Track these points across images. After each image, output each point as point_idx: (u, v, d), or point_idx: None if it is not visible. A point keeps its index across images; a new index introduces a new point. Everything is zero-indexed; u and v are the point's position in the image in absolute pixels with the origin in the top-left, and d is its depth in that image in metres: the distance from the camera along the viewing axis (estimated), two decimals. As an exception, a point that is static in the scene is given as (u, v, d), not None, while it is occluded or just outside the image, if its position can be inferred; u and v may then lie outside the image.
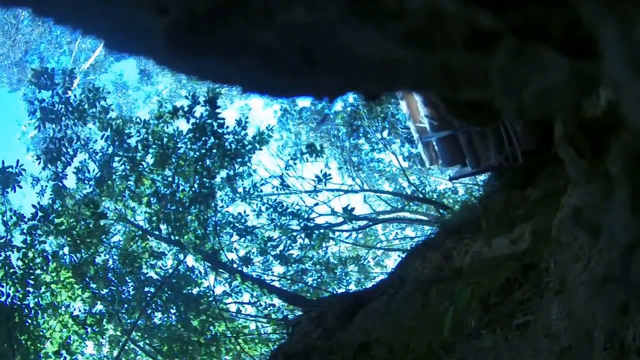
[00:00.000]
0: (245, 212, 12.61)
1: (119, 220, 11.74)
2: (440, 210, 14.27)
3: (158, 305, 11.59)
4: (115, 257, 11.48)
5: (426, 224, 15.16)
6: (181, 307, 11.40)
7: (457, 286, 5.20)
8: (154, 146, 10.75)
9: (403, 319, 5.90)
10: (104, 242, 10.94)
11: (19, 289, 9.64)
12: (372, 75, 0.71)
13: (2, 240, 9.66)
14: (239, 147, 11.08)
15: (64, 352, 10.15)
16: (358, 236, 17.85)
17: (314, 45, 0.66)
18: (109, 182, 10.85)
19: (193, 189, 10.99)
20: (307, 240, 12.66)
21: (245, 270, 12.00)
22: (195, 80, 10.17)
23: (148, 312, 11.44)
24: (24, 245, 9.82)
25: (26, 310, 9.83)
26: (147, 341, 11.84)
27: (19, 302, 9.66)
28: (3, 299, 9.45)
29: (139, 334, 11.69)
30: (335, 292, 12.60)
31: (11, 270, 9.58)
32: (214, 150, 10.84)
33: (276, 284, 12.56)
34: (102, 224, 10.60)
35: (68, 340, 10.30)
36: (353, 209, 13.38)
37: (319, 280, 13.62)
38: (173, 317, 11.65)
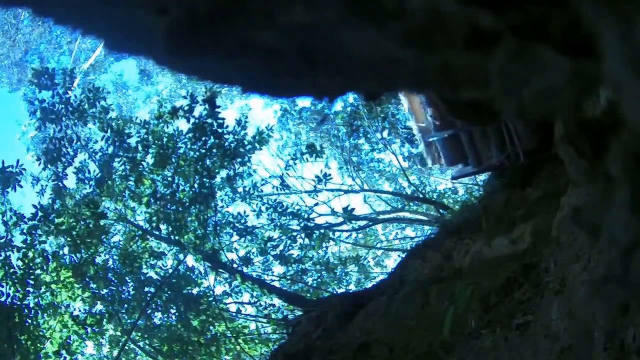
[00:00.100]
0: (245, 212, 12.63)
1: (119, 220, 11.74)
2: (440, 210, 14.27)
3: (158, 305, 11.59)
4: (115, 257, 11.48)
5: (426, 224, 15.16)
6: (181, 307, 11.40)
7: (457, 286, 5.20)
8: (154, 146, 10.75)
9: (403, 319, 5.90)
10: (104, 242, 10.94)
11: (19, 289, 9.63)
12: (372, 75, 0.71)
13: (2, 240, 9.66)
14: (238, 147, 11.08)
15: (64, 352, 10.15)
16: (358, 236, 17.86)
17: (314, 45, 0.66)
18: (109, 182, 10.85)
19: (193, 189, 10.99)
20: (307, 240, 12.66)
21: (245, 270, 12.00)
22: (195, 80, 10.18)
23: (148, 312, 11.44)
24: (24, 245, 9.82)
25: (26, 310, 9.83)
26: (147, 341, 11.84)
27: (19, 302, 9.66)
28: (3, 299, 9.45)
29: (139, 334, 11.69)
30: (335, 292, 12.60)
31: (11, 270, 9.58)
32: (214, 150, 10.84)
33: (276, 284, 12.56)
34: (102, 224, 10.60)
35: (68, 340, 10.30)
36: (353, 209, 13.38)
37: (319, 280, 13.62)
38: (173, 317, 11.65)
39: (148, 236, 11.59)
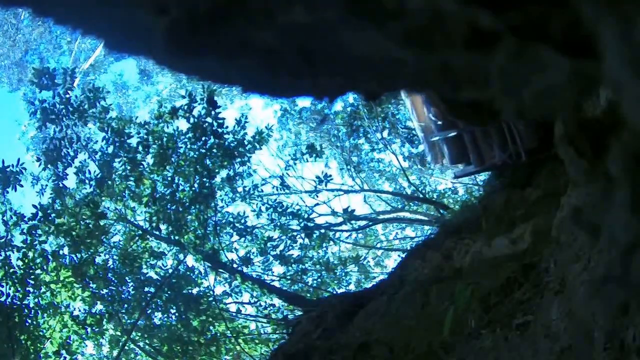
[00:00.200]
0: (245, 212, 12.63)
1: (119, 220, 11.74)
2: (440, 210, 14.26)
3: (158, 305, 11.59)
4: (115, 257, 11.48)
5: (426, 224, 15.15)
6: (181, 307, 11.40)
7: (457, 286, 5.20)
8: (154, 146, 10.75)
9: (403, 319, 5.90)
10: (104, 242, 10.94)
11: (19, 289, 9.63)
12: (372, 75, 0.71)
13: (2, 240, 9.65)
14: (238, 147, 11.08)
15: (64, 352, 10.14)
16: (358, 236, 17.86)
17: (314, 45, 0.66)
18: (109, 182, 10.85)
19: (193, 189, 10.99)
20: (307, 240, 12.66)
21: (245, 270, 12.00)
22: (195, 80, 10.17)
23: (148, 312, 11.44)
24: (24, 245, 9.81)
25: (26, 310, 9.83)
26: (147, 341, 11.84)
27: (19, 302, 9.65)
28: (3, 299, 9.44)
29: (139, 334, 11.69)
30: (335, 292, 12.60)
31: (11, 270, 9.58)
32: (214, 150, 10.84)
33: (276, 284, 12.56)
34: (102, 224, 10.60)
35: (68, 340, 10.30)
36: (353, 210, 13.39)
37: (319, 280, 13.62)
38: (173, 317, 11.65)
39: (148, 236, 11.59)
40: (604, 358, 2.68)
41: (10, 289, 9.55)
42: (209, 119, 10.45)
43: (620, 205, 0.83)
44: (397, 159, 16.69)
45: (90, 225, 10.28)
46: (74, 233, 10.11)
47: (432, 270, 6.73)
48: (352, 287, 14.35)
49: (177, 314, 11.58)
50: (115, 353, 11.29)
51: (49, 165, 10.52)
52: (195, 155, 10.82)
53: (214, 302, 11.46)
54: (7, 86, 19.22)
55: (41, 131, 11.68)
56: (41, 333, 10.07)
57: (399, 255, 13.98)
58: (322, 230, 13.53)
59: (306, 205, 14.37)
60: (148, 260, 11.55)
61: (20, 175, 9.81)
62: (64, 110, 10.43)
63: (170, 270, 11.66)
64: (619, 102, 0.58)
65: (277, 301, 11.97)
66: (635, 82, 0.54)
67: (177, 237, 11.27)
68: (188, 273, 11.90)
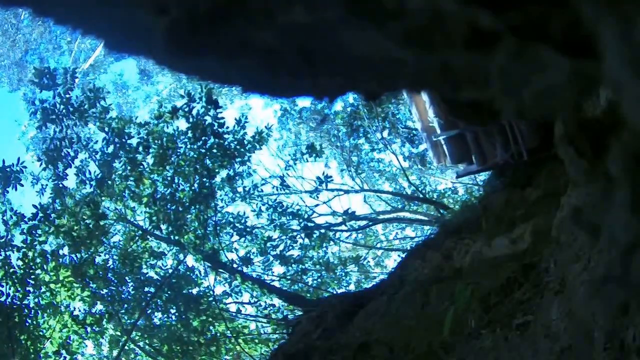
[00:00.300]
0: (245, 212, 12.64)
1: (119, 220, 11.74)
2: (440, 210, 14.26)
3: (158, 305, 11.59)
4: (115, 257, 11.48)
5: (426, 224, 15.15)
6: (181, 307, 11.40)
7: (457, 286, 5.20)
8: (154, 146, 10.75)
9: (403, 319, 5.90)
10: (104, 242, 10.94)
11: (19, 288, 9.63)
12: (372, 75, 0.71)
13: (2, 240, 9.65)
14: (238, 147, 11.09)
15: (64, 352, 10.14)
16: (358, 236, 17.85)
17: (314, 45, 0.66)
18: (109, 182, 10.85)
19: (193, 189, 10.99)
20: (307, 241, 12.66)
21: (245, 270, 12.00)
22: (195, 80, 10.17)
23: (148, 312, 11.44)
24: (24, 245, 9.81)
25: (26, 310, 9.83)
26: (147, 341, 11.84)
27: (18, 302, 9.65)
28: (3, 299, 9.44)
29: (139, 334, 11.69)
30: (335, 292, 12.60)
31: (11, 270, 9.58)
32: (214, 150, 10.84)
33: (276, 284, 12.56)
34: (102, 224, 10.60)
35: (68, 340, 10.30)
36: (353, 212, 13.39)
37: (319, 280, 13.62)
38: (173, 317, 11.65)
39: (148, 236, 11.59)
40: (604, 358, 2.68)
41: (10, 289, 9.55)
42: (208, 119, 10.45)
43: (620, 205, 0.83)
44: (397, 159, 16.70)
45: (90, 225, 10.28)
46: (74, 233, 10.11)
47: (432, 270, 6.73)
48: (352, 287, 14.35)
49: (177, 314, 11.58)
50: (115, 353, 11.29)
51: (49, 165, 10.51)
52: (195, 155, 10.82)
53: (214, 302, 11.46)
54: (7, 86, 19.23)
55: (41, 131, 11.68)
56: (41, 333, 10.07)
57: (399, 255, 13.98)
58: (322, 230, 13.53)
59: (306, 205, 14.38)
60: (148, 260, 11.55)
61: (20, 174, 9.81)
62: (64, 111, 10.43)
63: (170, 270, 11.66)
64: (619, 102, 0.58)
65: (277, 301, 11.97)
66: (635, 82, 0.54)
67: (177, 237, 11.27)
68: (188, 273, 11.90)
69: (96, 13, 0.68)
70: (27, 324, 9.80)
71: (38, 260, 9.86)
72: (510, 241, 5.49)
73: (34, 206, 10.03)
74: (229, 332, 11.71)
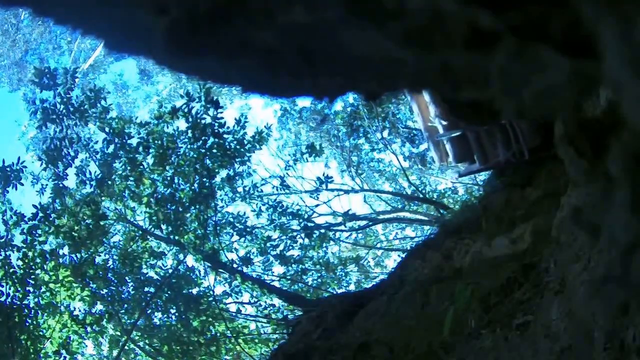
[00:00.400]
0: (245, 212, 12.64)
1: (119, 220, 11.74)
2: (440, 210, 14.26)
3: (158, 305, 11.59)
4: (115, 257, 11.48)
5: (426, 224, 15.15)
6: (181, 307, 11.40)
7: (457, 286, 5.20)
8: (153, 146, 10.75)
9: (403, 319, 5.90)
10: (104, 242, 10.94)
11: (19, 288, 9.63)
12: (372, 75, 0.71)
13: (2, 240, 9.65)
14: (238, 147, 11.09)
15: (64, 352, 10.14)
16: (358, 236, 17.85)
17: (314, 45, 0.66)
18: (109, 182, 10.86)
19: (193, 188, 10.99)
20: (307, 241, 12.66)
21: (245, 270, 12.00)
22: (195, 80, 10.16)
23: (148, 312, 11.44)
24: (24, 245, 9.81)
25: (26, 310, 9.83)
26: (147, 341, 11.85)
27: (18, 302, 9.65)
28: (3, 298, 9.44)
29: (139, 334, 11.69)
30: (335, 292, 12.60)
31: (11, 270, 9.58)
32: (214, 150, 10.84)
33: (276, 284, 12.56)
34: (102, 224, 10.60)
35: (68, 340, 10.30)
36: (353, 214, 13.39)
37: (319, 280, 13.62)
38: (173, 317, 11.65)
39: (148, 236, 11.59)
40: (604, 358, 2.68)
41: (10, 289, 9.55)
42: (207, 118, 10.45)
43: (620, 205, 0.83)
44: (397, 159, 16.70)
45: (90, 226, 10.28)
46: (74, 233, 10.11)
47: (432, 270, 6.73)
48: (352, 287, 14.34)
49: (177, 314, 11.58)
50: (115, 353, 11.29)
51: (49, 165, 10.51)
52: (195, 155, 10.82)
53: (214, 302, 11.46)
54: (7, 86, 19.23)
55: (41, 131, 11.68)
56: (41, 333, 10.07)
57: (399, 255, 13.98)
58: (322, 230, 13.53)
59: (306, 206, 14.38)
60: (148, 260, 11.55)
61: (20, 174, 9.81)
62: (64, 111, 10.43)
63: (170, 270, 11.66)
64: (619, 102, 0.58)
65: (277, 301, 11.97)
66: (635, 82, 0.54)
67: (177, 237, 11.27)
68: (188, 273, 11.90)
69: (96, 13, 0.68)
70: (27, 324, 9.80)
71: (38, 260, 9.86)
72: (510, 241, 5.49)
73: (34, 206, 10.03)
74: (229, 332, 11.71)
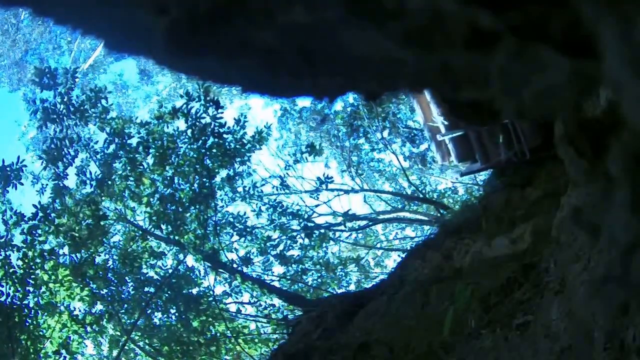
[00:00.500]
0: (245, 212, 12.63)
1: (119, 220, 11.74)
2: (440, 210, 14.26)
3: (158, 305, 11.59)
4: (115, 257, 11.48)
5: (426, 224, 15.15)
6: (181, 307, 11.39)
7: (457, 286, 5.20)
8: (153, 146, 10.76)
9: (403, 319, 5.90)
10: (104, 242, 10.94)
11: (19, 288, 9.63)
12: (372, 75, 0.71)
13: (2, 240, 9.65)
14: (238, 147, 11.09)
15: (63, 351, 10.14)
16: (358, 236, 17.85)
17: (314, 45, 0.66)
18: (109, 182, 10.86)
19: (193, 188, 10.99)
20: (307, 241, 12.66)
21: (245, 270, 12.00)
22: (195, 80, 10.16)
23: (148, 312, 11.43)
24: (24, 245, 9.81)
25: (26, 310, 9.83)
26: (147, 341, 11.84)
27: (18, 302, 9.65)
28: (3, 298, 9.44)
29: (139, 334, 11.69)
30: (335, 292, 12.59)
31: (11, 270, 9.57)
32: (214, 150, 10.84)
33: (276, 284, 12.56)
34: (102, 224, 10.60)
35: (68, 340, 10.30)
36: (354, 214, 13.38)
37: (319, 280, 13.62)
38: (173, 317, 11.65)
39: (148, 236, 11.59)
40: (604, 358, 2.68)
41: (10, 288, 9.55)
42: (207, 118, 10.45)
43: (620, 205, 0.83)
44: (397, 159, 16.69)
45: (90, 226, 10.27)
46: (74, 233, 10.11)
47: (432, 270, 6.73)
48: (352, 287, 14.34)
49: (177, 314, 11.57)
50: (115, 353, 11.29)
51: (49, 165, 10.51)
52: (195, 155, 10.82)
53: (214, 302, 11.46)
54: (7, 86, 19.23)
55: (41, 131, 11.68)
56: (41, 333, 10.07)
57: (399, 255, 13.97)
58: (322, 230, 13.52)
59: (306, 206, 14.38)
60: (148, 260, 11.55)
61: (20, 173, 9.80)
62: (64, 110, 10.43)
63: (170, 270, 11.66)
64: (619, 102, 0.58)
65: (277, 301, 11.97)
66: (635, 82, 0.54)
67: (177, 237, 11.27)
68: (188, 273, 11.89)
69: (96, 13, 0.68)
70: (27, 324, 9.80)
71: (38, 260, 9.86)
72: (510, 241, 5.49)
73: (34, 206, 10.03)
74: (229, 332, 11.70)
